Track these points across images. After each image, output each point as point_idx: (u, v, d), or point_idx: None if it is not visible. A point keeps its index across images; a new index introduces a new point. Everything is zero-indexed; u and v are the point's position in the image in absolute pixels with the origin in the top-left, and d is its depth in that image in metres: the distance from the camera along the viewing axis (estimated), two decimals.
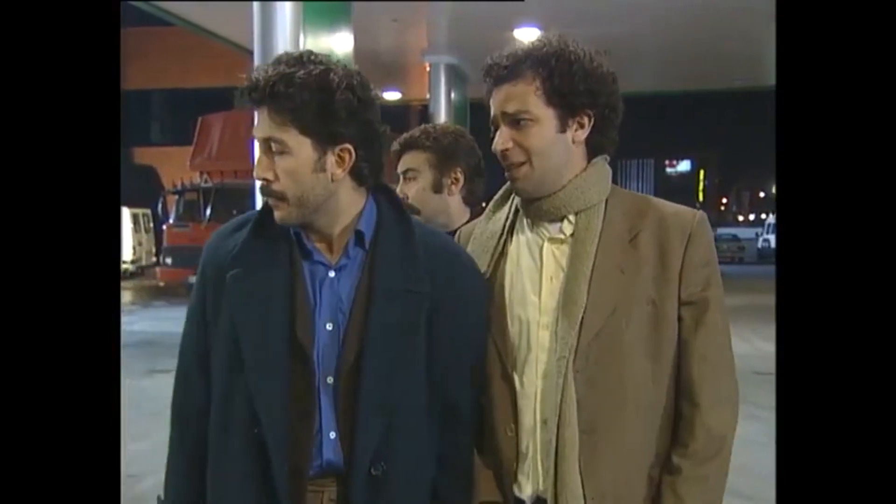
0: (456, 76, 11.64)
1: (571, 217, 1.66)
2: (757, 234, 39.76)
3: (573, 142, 1.66)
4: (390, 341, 1.56)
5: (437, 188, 2.37)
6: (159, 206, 18.88)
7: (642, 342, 1.60)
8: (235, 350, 1.55)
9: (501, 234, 1.73)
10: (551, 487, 1.58)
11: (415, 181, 2.37)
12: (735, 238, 38.25)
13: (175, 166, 16.83)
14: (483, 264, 1.71)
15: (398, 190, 2.28)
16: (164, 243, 15.46)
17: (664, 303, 1.61)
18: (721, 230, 45.44)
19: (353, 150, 1.56)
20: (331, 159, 1.55)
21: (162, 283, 15.46)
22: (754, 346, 10.13)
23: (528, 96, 1.62)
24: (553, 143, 1.64)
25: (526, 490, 1.64)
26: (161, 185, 18.38)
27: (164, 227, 15.98)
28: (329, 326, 1.57)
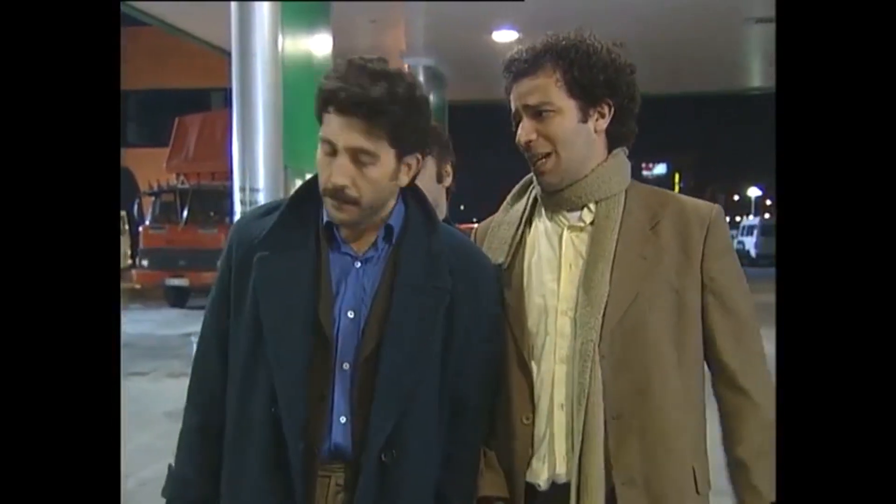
0: (434, 78, 11.65)
1: (591, 206, 1.70)
2: (732, 237, 40.01)
3: (595, 131, 1.70)
4: (410, 333, 1.61)
5: (439, 178, 2.41)
6: (135, 208, 18.71)
7: (666, 329, 1.63)
8: (258, 329, 1.60)
9: (519, 224, 1.77)
10: (575, 471, 1.59)
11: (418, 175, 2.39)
12: None
13: (152, 168, 16.65)
14: (501, 255, 1.74)
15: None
16: (141, 245, 15.30)
17: (686, 291, 1.65)
18: None
19: (420, 159, 1.68)
20: (404, 168, 1.65)
21: (138, 286, 15.29)
22: None
23: (549, 88, 1.67)
24: (576, 133, 1.68)
25: (542, 475, 1.65)
26: (137, 186, 18.17)
27: (140, 229, 15.83)
28: (350, 314, 1.62)
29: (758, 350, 1.69)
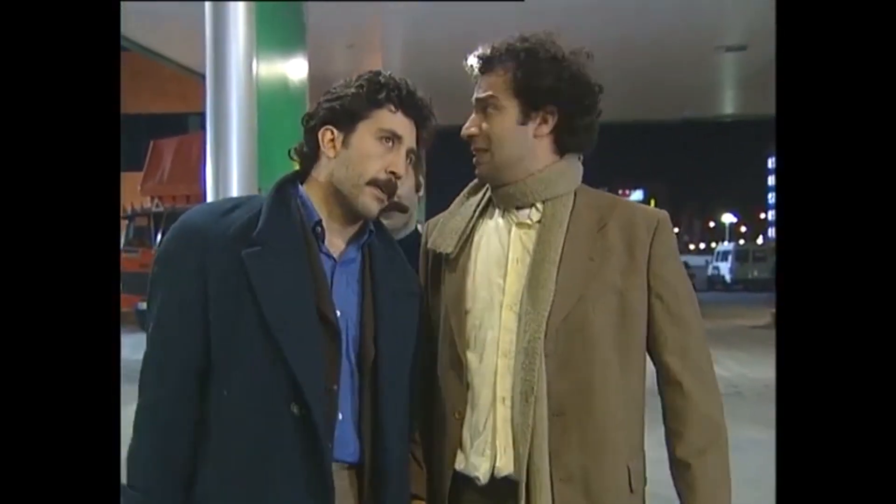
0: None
1: (539, 205, 1.71)
2: (707, 262, 40.41)
3: (534, 135, 1.71)
4: (402, 338, 1.68)
5: (417, 188, 2.38)
6: None
7: (610, 329, 1.65)
8: (263, 325, 1.53)
9: (472, 217, 1.78)
10: (523, 467, 1.60)
11: (400, 179, 2.36)
12: (686, 266, 38.77)
13: (126, 191, 16.54)
14: (449, 245, 1.76)
15: None
16: None
17: (631, 292, 1.67)
18: None
19: None
20: None
21: None
22: None
23: (497, 85, 1.71)
24: (513, 133, 1.70)
25: (481, 468, 1.65)
26: None
27: None
28: (338, 313, 1.63)
29: (701, 351, 1.71)
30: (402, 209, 2.11)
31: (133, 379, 1.63)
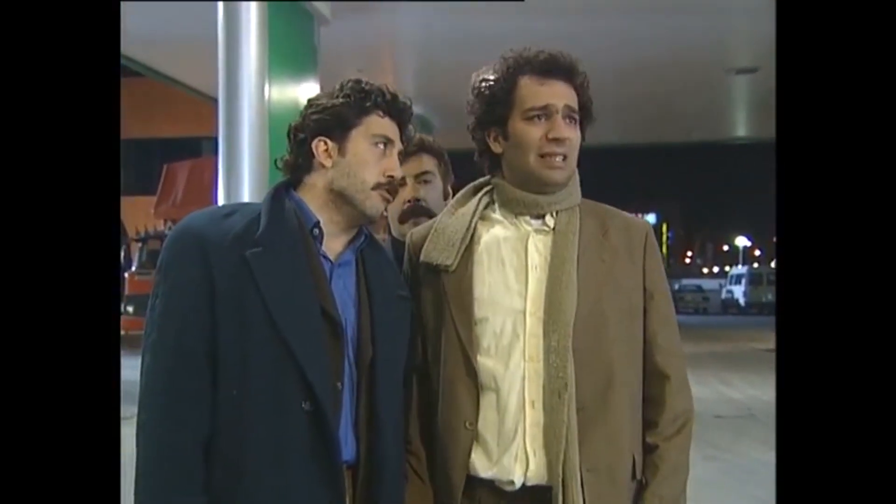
0: (423, 126, 11.75)
1: (553, 214, 1.78)
2: (721, 286, 40.26)
3: None
4: (396, 341, 1.72)
5: (445, 196, 2.37)
6: (122, 254, 18.62)
7: (621, 326, 1.74)
8: (272, 324, 1.55)
9: (468, 228, 1.80)
10: (544, 467, 1.66)
11: (430, 185, 2.34)
12: (700, 289, 38.73)
13: (140, 215, 16.66)
14: (448, 258, 1.77)
15: (408, 192, 2.28)
16: (126, 291, 15.19)
17: (635, 293, 1.77)
18: (686, 282, 45.94)
19: None
20: None
21: (123, 332, 15.15)
22: (716, 391, 10.28)
23: (572, 97, 1.76)
24: (578, 146, 1.78)
25: (515, 473, 1.68)
26: (125, 232, 18.16)
27: (126, 275, 15.73)
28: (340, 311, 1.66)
29: (680, 349, 1.83)
30: (431, 216, 2.11)
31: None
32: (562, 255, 1.72)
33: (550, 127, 1.72)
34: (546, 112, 1.73)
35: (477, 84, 1.79)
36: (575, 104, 1.76)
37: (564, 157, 1.74)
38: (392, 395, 1.69)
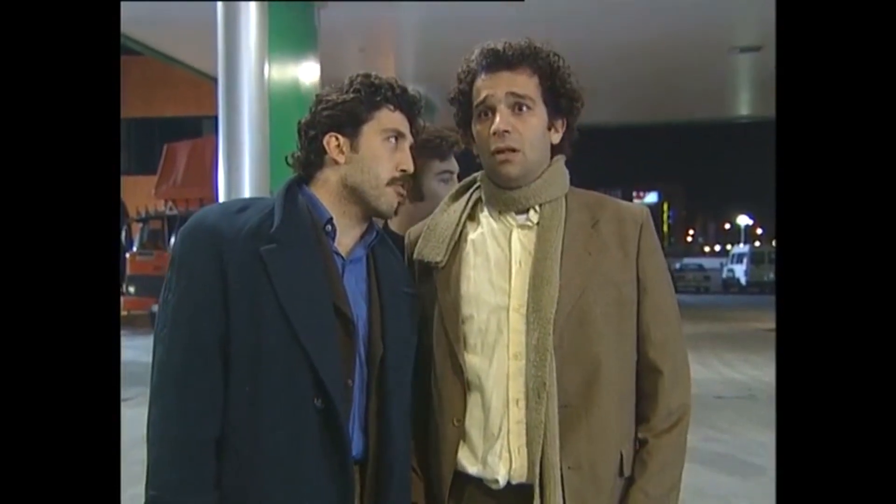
0: (424, 108, 11.68)
1: (536, 208, 1.74)
2: (722, 265, 40.25)
3: (550, 141, 1.76)
4: (404, 337, 1.72)
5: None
6: (123, 234, 18.65)
7: (610, 321, 1.69)
8: (285, 320, 1.56)
9: (457, 224, 1.79)
10: (526, 465, 1.64)
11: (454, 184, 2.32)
12: (701, 268, 38.72)
13: (140, 195, 16.65)
14: (437, 254, 1.77)
15: (435, 190, 2.27)
16: (128, 272, 15.21)
17: (625, 286, 1.72)
18: (687, 260, 45.93)
19: None
20: None
21: (125, 312, 15.18)
22: (717, 372, 10.29)
23: (529, 86, 1.71)
24: (540, 137, 1.74)
25: (500, 471, 1.67)
26: (126, 213, 18.16)
27: (127, 255, 15.75)
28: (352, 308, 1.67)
29: (679, 342, 1.78)
30: None
31: (142, 379, 1.62)
32: (545, 250, 1.69)
33: (493, 121, 1.70)
34: (488, 106, 1.70)
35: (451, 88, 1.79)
36: (526, 90, 1.69)
37: (514, 150, 1.69)
38: (400, 392, 1.69)
